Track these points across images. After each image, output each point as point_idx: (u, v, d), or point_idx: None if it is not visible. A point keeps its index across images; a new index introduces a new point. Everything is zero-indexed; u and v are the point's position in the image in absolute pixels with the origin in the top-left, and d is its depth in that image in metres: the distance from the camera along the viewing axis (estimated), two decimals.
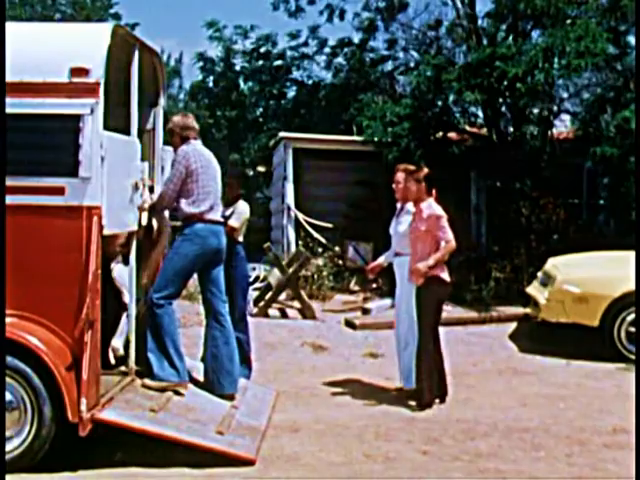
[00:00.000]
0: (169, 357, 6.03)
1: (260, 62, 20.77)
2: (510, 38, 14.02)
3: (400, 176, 7.36)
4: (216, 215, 6.30)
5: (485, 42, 14.11)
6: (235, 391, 6.39)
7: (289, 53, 20.38)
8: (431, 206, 6.94)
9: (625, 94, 12.71)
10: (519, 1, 13.10)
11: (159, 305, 6.04)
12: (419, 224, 6.93)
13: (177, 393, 5.98)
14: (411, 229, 7.06)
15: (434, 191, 7.04)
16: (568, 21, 12.76)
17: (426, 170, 7.10)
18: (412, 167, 7.46)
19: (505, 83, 12.63)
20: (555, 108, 14.43)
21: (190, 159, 6.13)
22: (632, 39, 13.19)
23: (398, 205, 7.51)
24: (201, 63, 21.54)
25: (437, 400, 6.93)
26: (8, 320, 5.09)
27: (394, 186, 7.42)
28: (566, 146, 13.91)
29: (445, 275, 6.94)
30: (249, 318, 7.67)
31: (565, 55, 11.95)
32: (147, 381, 5.98)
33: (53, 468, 5.15)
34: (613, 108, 12.85)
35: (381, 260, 7.72)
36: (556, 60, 12.15)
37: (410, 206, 7.25)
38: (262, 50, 20.71)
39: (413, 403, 6.89)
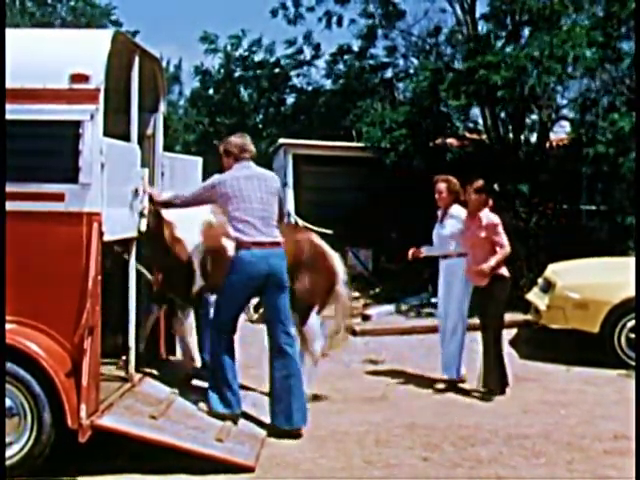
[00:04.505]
0: (220, 390, 6.05)
1: (258, 71, 20.82)
2: (499, 44, 14.02)
3: (442, 186, 7.90)
4: (264, 237, 6.06)
5: (481, 47, 14.10)
6: (290, 427, 6.12)
7: (287, 60, 20.42)
8: (489, 215, 7.58)
9: (619, 98, 12.75)
10: (514, 2, 13.15)
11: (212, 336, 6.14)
12: (478, 231, 7.51)
13: (234, 422, 6.01)
14: (468, 236, 7.62)
15: (490, 201, 7.67)
16: (565, 28, 12.78)
17: (481, 181, 7.64)
18: (451, 178, 7.96)
19: (496, 88, 12.66)
20: (553, 114, 14.43)
21: (221, 187, 6.06)
22: (626, 46, 13.23)
23: (439, 212, 8.05)
24: (199, 76, 21.64)
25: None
26: (8, 326, 5.09)
27: (436, 196, 7.95)
28: (566, 151, 13.92)
29: (506, 272, 7.59)
30: (249, 324, 7.69)
31: (553, 59, 11.99)
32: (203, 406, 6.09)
33: (53, 474, 5.15)
34: (607, 112, 12.88)
35: (422, 249, 8.13)
36: (548, 65, 12.17)
37: (454, 210, 7.86)
38: (259, 58, 20.79)
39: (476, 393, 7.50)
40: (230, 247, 6.23)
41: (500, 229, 7.53)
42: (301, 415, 6.16)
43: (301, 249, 6.95)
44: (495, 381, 7.54)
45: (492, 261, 7.42)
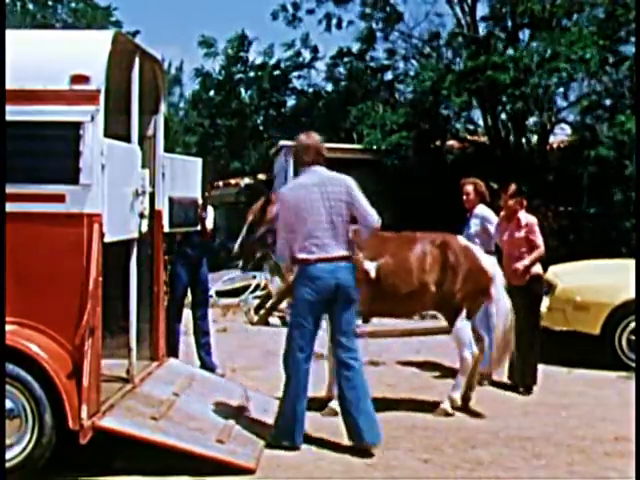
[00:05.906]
0: (285, 416, 5.87)
1: (259, 72, 20.87)
2: (502, 45, 14.05)
3: (469, 188, 8.27)
4: (331, 252, 5.81)
5: (483, 48, 14.14)
6: (359, 444, 5.82)
7: (286, 62, 20.48)
8: (527, 215, 7.92)
9: (621, 100, 12.78)
10: (515, 5, 13.19)
11: (286, 355, 5.92)
12: (516, 232, 7.83)
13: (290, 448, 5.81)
14: (507, 236, 7.88)
15: (524, 202, 7.91)
16: (573, 29, 12.80)
17: (514, 186, 7.91)
18: (478, 180, 8.36)
19: (502, 88, 12.71)
20: (553, 117, 14.46)
21: (281, 210, 5.89)
22: (626, 48, 13.25)
23: (468, 214, 8.32)
24: (200, 79, 21.70)
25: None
26: (8, 328, 5.08)
27: (464, 197, 8.30)
28: (567, 154, 13.95)
29: (541, 270, 7.95)
30: (250, 327, 7.73)
31: (557, 60, 12.03)
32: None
33: (54, 476, 5.15)
34: (610, 114, 12.90)
35: None
36: (554, 65, 12.20)
37: (478, 210, 8.18)
38: (252, 57, 20.96)
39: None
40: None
41: (537, 229, 7.84)
42: (373, 433, 5.84)
43: (447, 251, 6.98)
44: (534, 378, 7.79)
45: (526, 260, 7.70)
